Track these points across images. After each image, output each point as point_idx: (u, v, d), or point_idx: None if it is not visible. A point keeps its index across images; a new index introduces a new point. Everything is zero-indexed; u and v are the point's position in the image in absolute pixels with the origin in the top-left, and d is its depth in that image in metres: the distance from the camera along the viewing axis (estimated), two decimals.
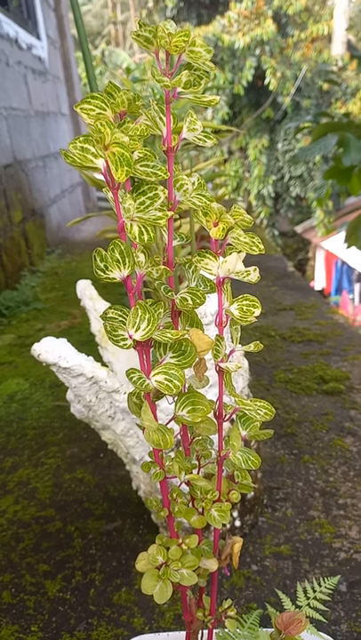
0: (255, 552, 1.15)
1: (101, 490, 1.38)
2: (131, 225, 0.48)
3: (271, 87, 8.38)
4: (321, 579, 0.77)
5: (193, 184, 0.53)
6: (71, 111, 5.72)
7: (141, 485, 1.16)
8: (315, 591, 0.74)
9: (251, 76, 8.33)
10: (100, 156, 0.46)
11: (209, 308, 1.09)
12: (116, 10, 19.58)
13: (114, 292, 2.82)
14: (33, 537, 1.23)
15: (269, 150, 9.34)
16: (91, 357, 1.01)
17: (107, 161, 0.46)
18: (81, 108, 0.49)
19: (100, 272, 0.50)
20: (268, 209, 9.55)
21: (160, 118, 0.51)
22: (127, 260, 0.49)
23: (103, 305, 1.29)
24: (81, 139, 0.47)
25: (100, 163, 0.47)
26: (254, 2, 8.62)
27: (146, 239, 0.48)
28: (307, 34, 9.10)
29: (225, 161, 9.58)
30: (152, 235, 0.48)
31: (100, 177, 0.48)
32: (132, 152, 0.47)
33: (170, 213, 0.49)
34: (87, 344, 2.20)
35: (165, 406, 1.00)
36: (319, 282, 10.21)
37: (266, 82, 8.39)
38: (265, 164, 9.26)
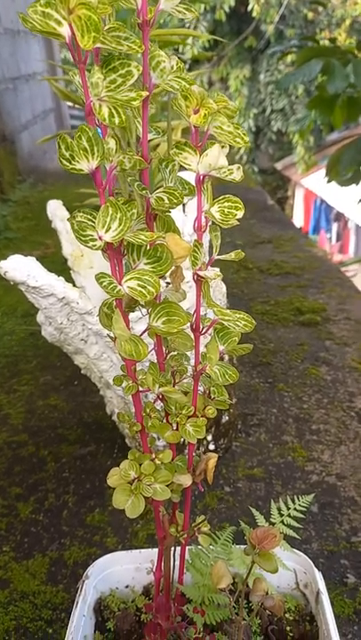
0: (228, 475, 1.15)
1: (75, 416, 1.36)
2: (100, 105, 0.43)
3: (254, 14, 7.99)
4: (295, 497, 0.76)
5: (172, 66, 0.47)
6: None
7: (115, 410, 1.14)
8: (289, 509, 0.74)
9: (233, 1, 7.91)
10: (65, 22, 0.40)
11: (187, 227, 1.04)
12: None
13: None
14: (5, 461, 1.22)
15: (251, 82, 9.03)
16: (61, 278, 0.96)
17: (71, 26, 0.40)
18: None
19: (65, 162, 0.45)
20: (249, 144, 9.32)
21: None
22: (96, 147, 0.44)
23: (67, 217, 1.24)
24: (42, 2, 0.41)
25: (65, 30, 0.41)
26: None
27: (117, 122, 0.43)
28: None
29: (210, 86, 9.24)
30: (123, 117, 0.43)
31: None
32: (101, 16, 0.41)
33: (144, 93, 0.43)
34: (61, 273, 2.13)
35: (139, 329, 0.97)
36: (297, 221, 10.13)
37: (249, 8, 7.98)
38: (246, 97, 8.97)
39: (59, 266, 2.31)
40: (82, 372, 1.11)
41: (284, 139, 9.57)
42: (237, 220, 0.52)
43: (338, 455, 1.20)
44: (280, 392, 1.43)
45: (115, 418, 1.17)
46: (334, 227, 9.74)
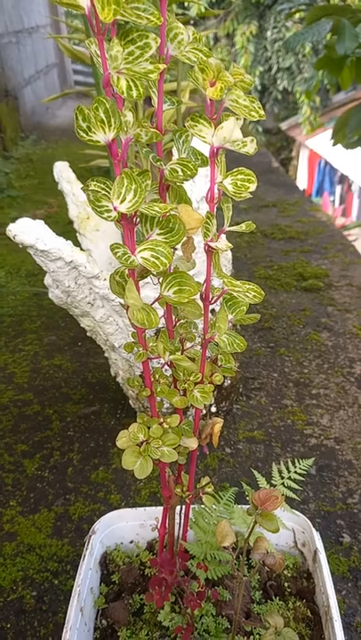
0: (229, 436, 1.18)
1: (79, 376, 1.39)
2: (118, 78, 0.43)
3: None
4: (296, 460, 0.79)
5: (188, 36, 0.47)
6: None
7: (120, 372, 1.16)
8: (289, 471, 0.77)
9: None
10: None
11: (195, 193, 1.04)
12: None
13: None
14: (11, 419, 1.25)
15: (258, 39, 8.76)
16: (69, 241, 0.97)
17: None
18: None
19: (82, 133, 0.46)
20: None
21: None
22: (113, 119, 0.45)
23: (81, 187, 1.23)
24: None
25: (85, 1, 0.41)
26: None
27: (135, 95, 0.43)
28: None
29: (210, 49, 8.98)
30: (141, 90, 0.43)
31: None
32: None
33: (162, 66, 0.44)
34: (65, 234, 2.13)
35: (145, 294, 0.98)
36: (301, 182, 10.01)
37: None
38: (252, 54, 8.72)
39: (62, 227, 2.32)
40: (87, 334, 1.13)
41: (289, 98, 9.37)
42: (251, 190, 0.53)
43: (336, 419, 1.22)
44: (281, 356, 1.45)
45: (119, 379, 1.19)
46: (338, 189, 9.63)
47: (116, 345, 1.07)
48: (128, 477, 1.08)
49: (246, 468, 1.10)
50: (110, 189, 0.49)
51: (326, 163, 9.37)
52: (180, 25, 0.45)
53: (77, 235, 1.24)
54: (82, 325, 1.10)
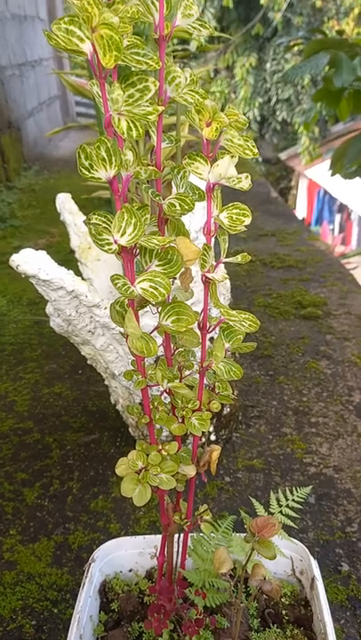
0: (229, 465, 1.19)
1: (80, 404, 1.40)
2: (119, 119, 0.45)
3: (262, 1, 7.94)
4: (294, 489, 0.79)
5: (186, 79, 0.50)
6: (49, 16, 5.37)
7: (120, 400, 1.17)
8: (287, 500, 0.77)
9: None
10: (87, 39, 0.43)
11: (193, 224, 1.06)
12: None
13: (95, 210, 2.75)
14: (11, 447, 1.25)
15: (257, 70, 8.97)
16: (71, 271, 0.99)
17: (94, 44, 0.42)
18: None
19: (84, 171, 0.48)
20: (254, 133, 9.29)
21: (152, 2, 0.47)
22: (114, 158, 0.47)
23: (83, 220, 1.26)
24: (66, 19, 0.43)
25: (87, 47, 0.43)
26: None
27: (135, 135, 0.45)
28: None
29: (210, 80, 9.18)
30: (141, 131, 0.45)
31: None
32: (123, 36, 0.43)
33: (160, 108, 0.46)
34: (66, 263, 2.15)
35: (144, 322, 1.00)
36: (300, 211, 10.12)
37: None
38: (252, 85, 8.92)
39: (63, 255, 2.35)
40: (88, 362, 1.14)
41: (288, 129, 9.53)
42: (245, 224, 0.55)
43: (336, 448, 1.23)
44: (280, 384, 1.46)
45: (119, 407, 1.20)
46: (337, 218, 9.73)
47: (116, 373, 1.08)
48: (127, 506, 1.08)
49: (245, 497, 1.10)
50: (111, 222, 0.52)
51: (325, 192, 9.50)
52: (178, 69, 0.48)
53: (79, 264, 1.27)
54: (82, 353, 1.12)
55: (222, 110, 0.53)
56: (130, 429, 1.24)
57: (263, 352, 1.61)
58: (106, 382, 1.18)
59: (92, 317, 1.02)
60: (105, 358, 1.06)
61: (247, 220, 0.54)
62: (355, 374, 1.50)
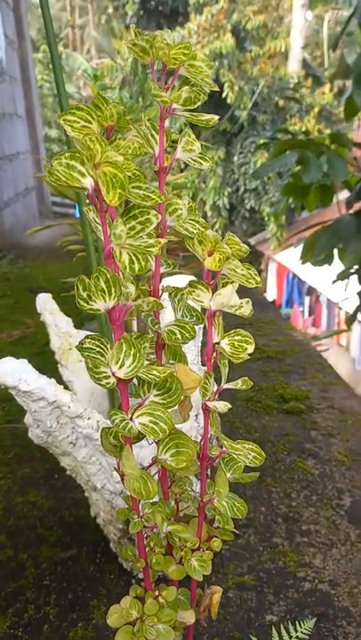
0: (218, 582, 1.10)
1: (56, 514, 1.31)
2: (120, 252, 0.43)
3: (229, 100, 8.45)
4: (297, 623, 0.73)
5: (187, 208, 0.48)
6: (27, 113, 5.59)
7: (101, 513, 1.10)
8: (291, 637, 0.70)
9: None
10: (89, 175, 0.41)
11: (190, 354, 1.04)
12: (74, 14, 19.36)
13: (75, 308, 2.74)
14: None
15: (225, 162, 9.41)
16: (53, 380, 0.95)
17: (96, 181, 0.40)
18: (64, 120, 0.44)
19: (82, 302, 0.45)
20: (224, 220, 9.62)
21: (152, 135, 0.47)
22: (113, 289, 0.44)
23: (64, 320, 1.23)
24: (67, 154, 0.42)
25: (88, 182, 0.42)
26: (214, 15, 8.68)
27: (137, 269, 0.43)
28: (264, 50, 9.23)
29: (181, 171, 9.59)
30: (143, 264, 0.43)
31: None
32: (126, 173, 0.42)
33: (162, 241, 0.44)
34: (40, 355, 2.12)
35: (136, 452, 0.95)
36: (271, 294, 10.33)
37: (224, 95, 8.45)
38: (221, 176, 9.33)
39: (38, 347, 2.30)
40: (67, 472, 1.07)
41: (256, 216, 9.90)
42: (248, 352, 0.52)
43: (330, 559, 1.16)
44: (268, 487, 1.40)
45: (99, 520, 1.12)
46: (306, 300, 9.94)
47: (99, 486, 1.02)
48: (110, 636, 0.98)
49: (238, 620, 1.01)
50: (105, 347, 0.48)
51: (294, 275, 9.75)
52: (179, 201, 0.46)
53: (59, 366, 1.22)
54: (62, 464, 1.05)
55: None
56: (111, 544, 1.15)
57: None
58: (86, 494, 1.10)
59: (73, 428, 0.96)
60: (87, 471, 1.00)
61: (250, 348, 0.52)
62: (343, 474, 1.45)
